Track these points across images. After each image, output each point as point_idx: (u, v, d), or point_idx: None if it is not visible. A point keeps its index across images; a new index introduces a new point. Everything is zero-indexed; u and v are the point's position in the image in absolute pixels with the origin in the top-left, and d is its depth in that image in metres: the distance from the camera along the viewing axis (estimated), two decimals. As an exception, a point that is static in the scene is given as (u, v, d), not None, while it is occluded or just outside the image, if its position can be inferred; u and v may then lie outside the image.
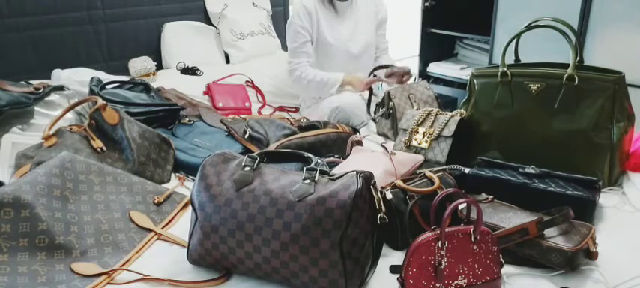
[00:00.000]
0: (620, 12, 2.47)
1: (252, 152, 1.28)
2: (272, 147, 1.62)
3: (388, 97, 1.99)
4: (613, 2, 2.48)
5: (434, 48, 3.46)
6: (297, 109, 2.49)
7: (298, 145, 1.63)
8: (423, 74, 3.50)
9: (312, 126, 1.79)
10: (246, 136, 1.72)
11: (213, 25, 2.89)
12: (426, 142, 1.61)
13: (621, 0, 2.46)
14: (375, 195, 1.02)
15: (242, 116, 2.00)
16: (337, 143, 1.73)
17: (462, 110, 1.66)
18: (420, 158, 1.48)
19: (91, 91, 1.88)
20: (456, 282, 0.99)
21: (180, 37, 2.74)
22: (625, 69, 1.49)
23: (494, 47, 3.00)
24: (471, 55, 3.45)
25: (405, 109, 1.93)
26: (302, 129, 1.77)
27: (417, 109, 1.80)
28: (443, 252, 0.98)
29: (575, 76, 1.44)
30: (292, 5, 3.44)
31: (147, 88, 2.03)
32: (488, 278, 1.01)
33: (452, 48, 3.57)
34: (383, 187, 1.22)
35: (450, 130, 1.58)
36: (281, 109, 2.48)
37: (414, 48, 3.53)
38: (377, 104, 2.09)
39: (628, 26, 2.47)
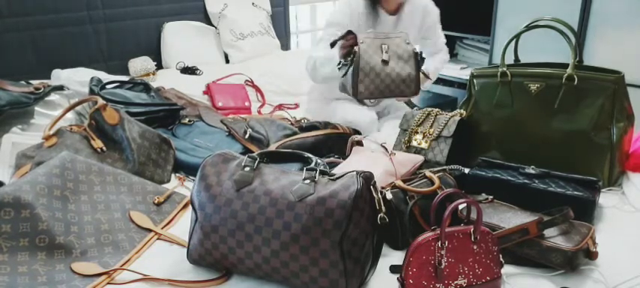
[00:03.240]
0: (620, 12, 2.48)
1: (253, 152, 1.28)
2: (272, 147, 1.62)
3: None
4: (613, 2, 2.49)
5: (434, 48, 3.46)
6: (297, 105, 2.49)
7: (299, 145, 1.63)
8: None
9: (312, 126, 1.79)
10: (247, 136, 1.72)
11: (213, 25, 2.89)
12: (426, 142, 1.60)
13: (621, 0, 2.46)
14: (375, 195, 1.02)
15: (242, 116, 2.00)
16: (338, 143, 1.73)
17: (462, 110, 1.66)
18: (420, 158, 1.48)
19: (91, 91, 1.88)
20: (456, 282, 0.99)
21: (180, 37, 2.74)
22: (625, 69, 1.49)
23: (494, 47, 3.00)
24: (470, 55, 3.46)
25: (373, 60, 1.70)
26: (303, 129, 1.77)
27: (384, 62, 1.65)
28: (443, 252, 0.98)
29: (575, 76, 1.44)
30: (293, 6, 3.45)
31: (147, 88, 2.03)
32: (488, 278, 1.01)
33: (452, 48, 3.57)
34: (383, 187, 1.22)
35: (449, 131, 1.57)
36: (281, 107, 2.47)
37: (413, 48, 3.53)
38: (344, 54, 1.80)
39: (628, 26, 2.47)
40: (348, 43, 1.74)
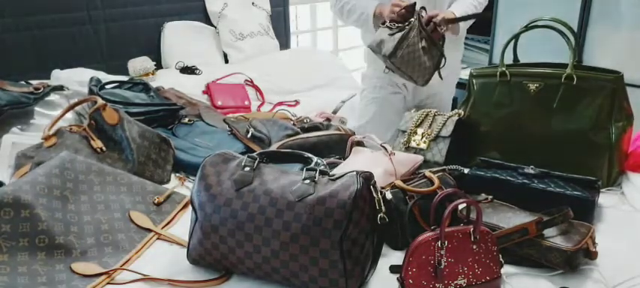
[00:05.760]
0: (620, 12, 2.48)
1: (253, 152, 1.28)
2: (274, 147, 1.62)
3: None
4: (613, 2, 2.49)
5: (434, 48, 3.46)
6: (297, 102, 2.49)
7: (300, 145, 1.63)
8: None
9: (314, 127, 1.80)
10: (249, 135, 1.72)
11: (213, 25, 2.89)
12: (425, 143, 1.60)
13: (621, 0, 2.46)
14: (375, 195, 1.02)
15: (244, 115, 2.01)
16: (339, 144, 1.73)
17: (461, 110, 1.66)
18: (419, 158, 1.48)
19: (90, 91, 1.88)
20: (455, 282, 0.99)
21: (180, 37, 2.74)
22: (625, 69, 1.48)
23: (494, 47, 3.00)
24: (471, 55, 3.46)
25: (416, 40, 1.76)
26: (305, 130, 1.77)
27: (424, 49, 1.75)
28: (442, 252, 0.98)
29: (574, 76, 1.44)
30: (293, 5, 3.45)
31: (146, 88, 2.03)
32: (488, 278, 1.01)
33: (451, 48, 3.57)
34: (382, 187, 1.22)
35: (447, 130, 1.57)
36: (281, 104, 2.48)
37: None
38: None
39: (628, 26, 2.47)
40: (402, 10, 1.71)
